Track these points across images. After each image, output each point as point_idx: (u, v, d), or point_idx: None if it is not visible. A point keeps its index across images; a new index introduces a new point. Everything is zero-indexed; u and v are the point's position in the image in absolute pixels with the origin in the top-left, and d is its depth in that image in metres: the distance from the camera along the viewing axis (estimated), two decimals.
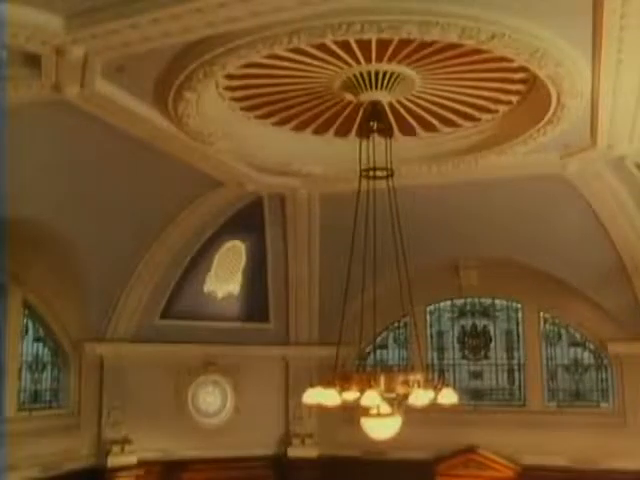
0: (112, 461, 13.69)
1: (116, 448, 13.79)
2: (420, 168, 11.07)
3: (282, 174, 11.95)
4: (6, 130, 8.54)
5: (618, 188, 11.36)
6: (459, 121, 9.99)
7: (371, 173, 9.04)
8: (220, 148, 10.33)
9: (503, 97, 9.20)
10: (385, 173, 9.02)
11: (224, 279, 14.59)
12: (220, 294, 14.69)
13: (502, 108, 9.55)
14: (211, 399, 15.21)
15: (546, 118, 9.19)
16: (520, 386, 15.07)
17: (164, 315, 14.27)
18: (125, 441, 13.89)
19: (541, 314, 14.89)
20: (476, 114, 9.74)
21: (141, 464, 14.00)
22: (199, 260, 14.05)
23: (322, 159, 11.12)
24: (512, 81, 8.73)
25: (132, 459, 13.91)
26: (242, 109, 9.62)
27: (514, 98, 9.22)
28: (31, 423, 12.79)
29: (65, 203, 10.97)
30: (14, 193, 9.91)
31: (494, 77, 8.60)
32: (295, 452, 15.20)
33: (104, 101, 8.65)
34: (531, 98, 9.06)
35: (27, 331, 13.20)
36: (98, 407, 14.03)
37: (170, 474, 14.37)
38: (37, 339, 13.44)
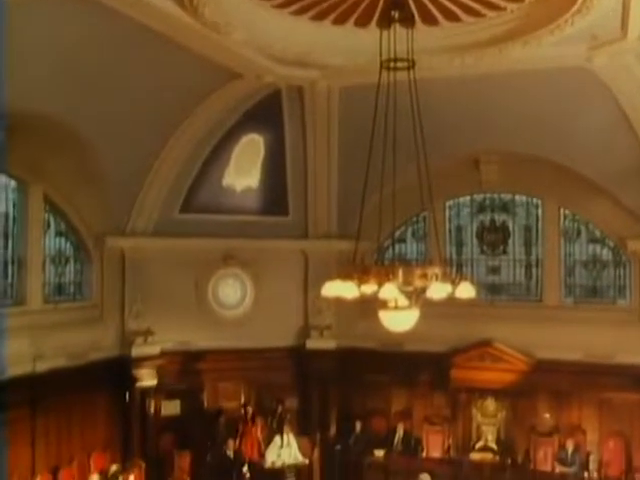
0: (135, 351, 14.09)
1: (139, 339, 14.17)
2: (442, 60, 10.77)
3: (301, 65, 11.68)
4: (19, 24, 8.37)
5: None
6: (483, 10, 9.61)
7: (392, 64, 8.74)
8: (237, 38, 10.09)
9: None
10: (406, 64, 8.73)
11: (243, 173, 14.54)
12: (239, 188, 14.67)
13: None
14: (231, 292, 15.47)
15: (575, 7, 8.82)
16: (537, 282, 15.15)
17: (183, 209, 14.35)
18: (148, 332, 14.24)
19: (561, 210, 14.80)
20: (501, 3, 9.37)
21: (163, 354, 14.42)
22: (217, 154, 13.97)
23: (341, 50, 10.83)
24: None
25: (155, 349, 14.31)
26: None
27: None
28: (56, 315, 13.10)
29: (82, 98, 10.83)
30: (28, 88, 9.80)
31: None
32: (313, 344, 15.53)
33: None
34: None
35: (49, 226, 13.33)
36: (120, 300, 14.33)
37: (191, 364, 14.80)
38: (59, 233, 13.59)
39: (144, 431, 14.27)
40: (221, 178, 14.43)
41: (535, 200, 15.12)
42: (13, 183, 12.49)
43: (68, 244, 13.77)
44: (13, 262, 12.52)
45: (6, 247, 12.45)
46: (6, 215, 12.46)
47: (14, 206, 12.56)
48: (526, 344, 14.16)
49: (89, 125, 11.56)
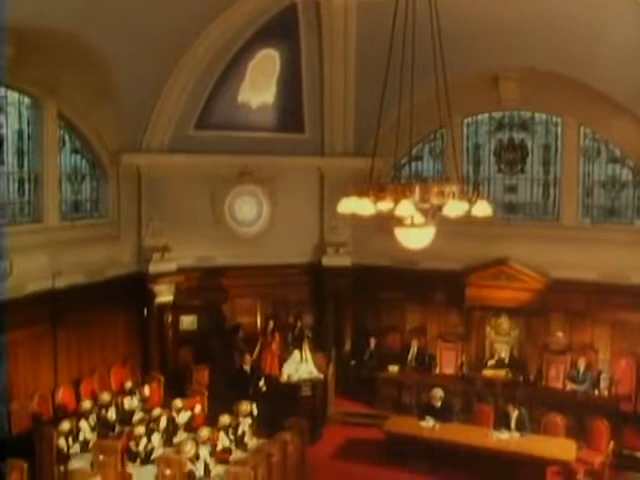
0: (153, 268, 14.25)
1: (156, 255, 14.30)
2: None
3: None
4: None
5: None
6: None
7: None
8: None
9: None
10: None
11: (258, 89, 14.36)
12: (254, 104, 14.51)
13: None
14: (247, 209, 15.50)
15: None
16: (555, 201, 15.03)
17: (199, 125, 14.25)
18: (165, 249, 14.36)
19: (581, 129, 14.54)
20: None
21: (180, 271, 14.58)
22: (232, 69, 13.77)
23: None
24: None
25: (172, 266, 14.46)
26: None
27: None
28: (74, 232, 13.20)
29: (94, 13, 10.63)
30: (38, 1, 9.61)
31: None
32: (329, 261, 15.65)
33: None
34: None
35: (64, 143, 13.28)
36: (137, 217, 14.43)
37: (208, 280, 14.99)
38: (75, 151, 13.55)
39: (162, 346, 14.60)
40: (236, 94, 14.26)
41: (555, 118, 14.84)
42: (27, 100, 12.39)
43: (84, 161, 13.75)
44: (29, 179, 12.54)
45: (22, 165, 12.45)
46: (20, 132, 12.40)
47: (28, 123, 12.48)
48: (541, 263, 14.18)
49: (102, 41, 11.39)
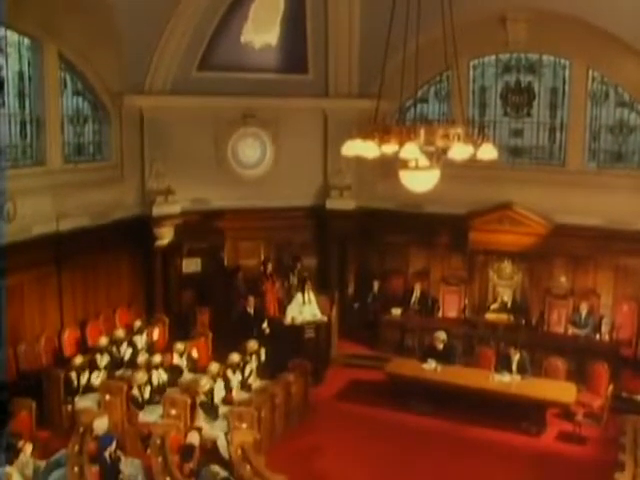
0: (156, 210, 14.25)
1: (160, 198, 14.29)
2: None
3: None
4: None
5: None
6: None
7: None
8: None
9: None
10: None
11: (261, 29, 14.11)
12: (257, 45, 14.28)
13: None
14: (250, 151, 15.40)
15: None
16: (561, 146, 14.88)
17: (201, 67, 14.07)
18: (168, 192, 14.33)
19: (590, 72, 14.28)
20: None
21: (184, 213, 14.58)
22: (235, 9, 13.53)
23: None
24: None
25: (175, 208, 14.45)
26: None
27: None
28: (77, 175, 13.15)
29: None
30: None
31: None
32: (333, 204, 15.59)
33: None
34: None
35: (66, 85, 13.13)
36: (140, 159, 14.37)
37: (211, 223, 15.03)
38: (76, 93, 13.41)
39: (166, 288, 14.71)
40: (239, 35, 14.04)
41: (563, 61, 14.59)
42: (27, 41, 12.21)
43: (86, 103, 13.63)
44: (31, 122, 12.45)
45: (23, 107, 12.33)
46: (21, 74, 12.26)
47: (29, 65, 12.32)
48: (546, 208, 14.13)
49: None
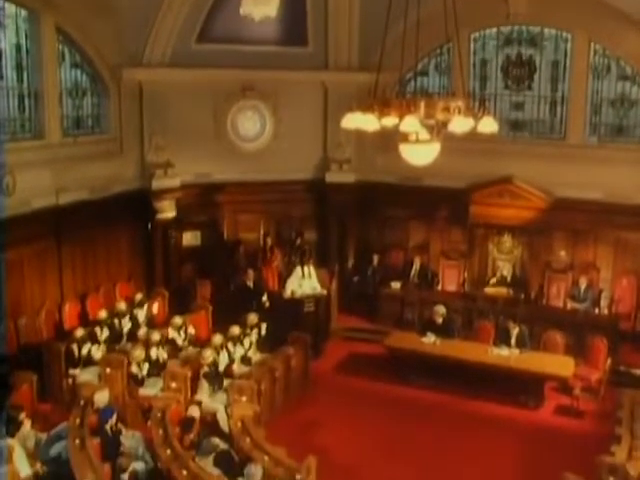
0: (156, 184, 14.21)
1: (159, 171, 14.25)
2: None
3: None
4: None
5: None
6: None
7: None
8: None
9: None
10: None
11: (261, 1, 13.94)
12: (257, 17, 14.11)
13: None
14: (250, 124, 15.31)
15: None
16: (561, 119, 14.80)
17: (200, 39, 13.93)
18: (168, 165, 14.29)
19: (592, 45, 14.16)
20: None
21: (183, 187, 14.55)
22: None
23: None
24: None
25: (175, 182, 14.42)
26: None
27: None
28: (76, 148, 13.09)
29: None
30: None
31: None
32: (333, 177, 15.54)
33: None
34: None
35: (64, 58, 13.00)
36: (139, 133, 14.30)
37: (211, 196, 15.01)
38: (75, 65, 13.28)
39: (166, 261, 14.72)
40: (238, 6, 13.88)
41: (564, 34, 14.47)
42: (24, 13, 12.08)
43: (84, 76, 13.51)
44: (30, 95, 12.35)
45: (21, 80, 12.24)
46: (19, 46, 12.14)
47: (26, 37, 12.21)
48: (546, 182, 14.09)
49: None
